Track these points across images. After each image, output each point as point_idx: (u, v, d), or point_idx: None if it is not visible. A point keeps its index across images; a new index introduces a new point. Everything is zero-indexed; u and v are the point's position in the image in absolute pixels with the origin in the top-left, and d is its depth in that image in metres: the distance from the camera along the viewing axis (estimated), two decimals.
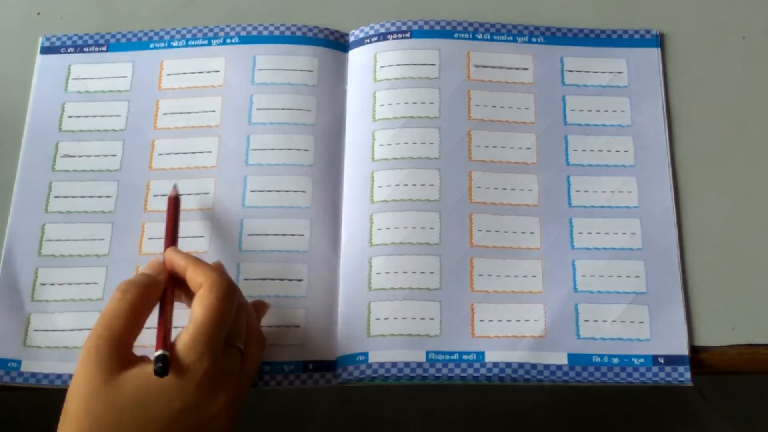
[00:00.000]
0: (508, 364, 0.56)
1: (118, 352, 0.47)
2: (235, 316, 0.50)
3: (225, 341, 0.49)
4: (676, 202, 0.60)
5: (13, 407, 1.09)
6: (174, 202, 0.57)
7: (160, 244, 0.58)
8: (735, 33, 0.65)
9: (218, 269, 0.51)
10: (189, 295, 0.51)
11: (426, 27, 0.65)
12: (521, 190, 0.60)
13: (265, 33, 0.65)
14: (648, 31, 0.65)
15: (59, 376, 0.56)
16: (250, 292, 0.57)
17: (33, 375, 0.56)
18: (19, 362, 0.56)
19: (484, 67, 0.64)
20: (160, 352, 0.46)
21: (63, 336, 0.57)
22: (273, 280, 0.58)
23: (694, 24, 0.66)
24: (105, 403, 0.45)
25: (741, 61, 0.65)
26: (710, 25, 0.66)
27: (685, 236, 0.59)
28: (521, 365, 0.56)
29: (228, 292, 0.48)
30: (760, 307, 0.58)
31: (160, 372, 0.45)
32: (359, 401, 1.19)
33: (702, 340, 0.57)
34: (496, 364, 0.56)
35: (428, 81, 0.63)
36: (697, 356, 0.56)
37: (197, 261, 0.51)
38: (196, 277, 0.49)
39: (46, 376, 0.56)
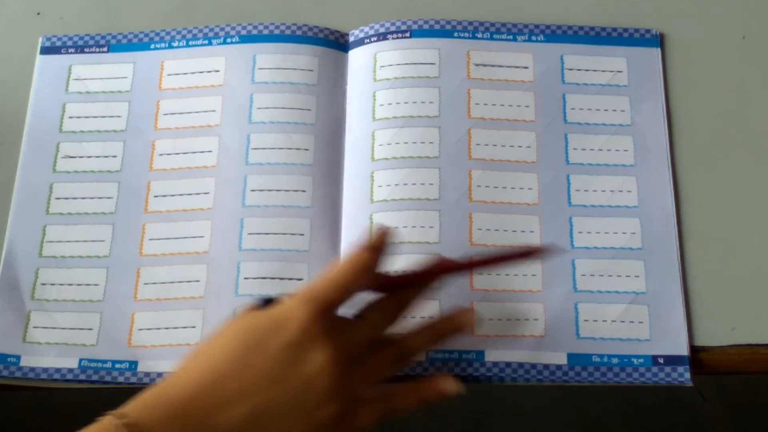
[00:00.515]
0: (508, 364, 0.56)
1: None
2: (378, 305, 0.50)
3: (358, 315, 0.49)
4: (676, 202, 0.60)
5: (13, 407, 1.09)
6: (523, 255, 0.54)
7: (161, 244, 0.59)
8: (735, 33, 0.65)
9: (369, 249, 0.49)
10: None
11: (426, 26, 0.65)
12: (521, 188, 0.60)
13: (266, 32, 0.65)
14: (648, 31, 0.65)
15: (58, 370, 0.56)
16: (249, 291, 0.58)
17: (32, 370, 0.56)
18: (18, 357, 0.56)
19: (484, 65, 0.64)
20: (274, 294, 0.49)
21: (63, 333, 0.57)
22: (273, 279, 0.58)
23: (694, 24, 0.66)
24: (216, 335, 0.47)
25: (741, 61, 0.65)
26: (710, 25, 0.66)
27: (685, 236, 0.59)
28: (521, 365, 0.56)
29: (356, 262, 0.48)
30: (760, 307, 0.58)
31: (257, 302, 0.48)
32: None
33: (702, 340, 0.57)
34: (495, 364, 0.56)
35: (428, 80, 0.63)
36: (697, 356, 0.56)
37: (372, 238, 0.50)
38: None
39: (45, 370, 0.56)
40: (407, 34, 0.64)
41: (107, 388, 0.57)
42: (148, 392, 0.45)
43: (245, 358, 0.45)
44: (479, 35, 0.65)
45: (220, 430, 0.44)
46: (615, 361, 0.56)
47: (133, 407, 0.44)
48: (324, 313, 0.47)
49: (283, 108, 0.63)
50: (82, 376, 0.56)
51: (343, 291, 0.48)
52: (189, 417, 0.44)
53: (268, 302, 0.48)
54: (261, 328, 0.46)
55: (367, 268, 0.49)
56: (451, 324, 0.53)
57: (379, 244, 0.49)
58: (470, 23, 0.65)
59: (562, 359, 0.56)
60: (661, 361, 0.56)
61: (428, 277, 0.53)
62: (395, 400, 0.50)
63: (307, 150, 0.62)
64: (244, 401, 0.45)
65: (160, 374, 0.56)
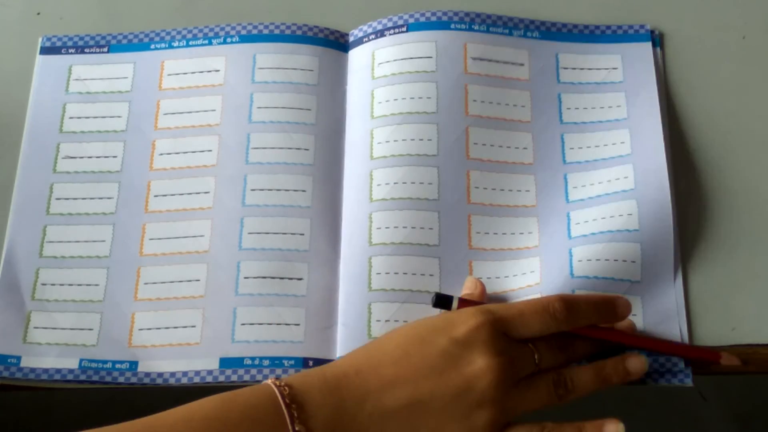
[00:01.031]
0: None
1: None
2: (551, 350, 0.50)
3: (521, 339, 0.49)
4: (676, 202, 0.60)
5: (13, 407, 1.09)
6: None
7: (161, 244, 0.59)
8: (735, 33, 0.65)
9: (567, 298, 0.50)
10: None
11: (422, 19, 0.65)
12: (519, 191, 0.60)
13: (266, 32, 0.65)
14: (642, 26, 0.65)
15: (59, 370, 0.56)
16: (249, 290, 0.58)
17: (32, 370, 0.56)
18: (18, 358, 0.56)
19: (481, 60, 0.63)
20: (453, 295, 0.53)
21: (63, 333, 0.57)
22: (273, 278, 0.58)
23: (694, 24, 0.66)
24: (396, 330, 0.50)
25: (741, 61, 0.65)
26: (710, 25, 0.66)
27: (685, 236, 0.59)
28: None
29: (546, 305, 0.49)
30: (760, 307, 0.58)
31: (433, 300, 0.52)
32: None
33: (702, 340, 0.57)
34: None
35: (425, 75, 0.63)
36: None
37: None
38: None
39: (45, 371, 0.56)
40: (404, 29, 0.64)
41: (107, 388, 0.57)
42: (315, 368, 0.48)
43: (411, 347, 0.47)
44: (476, 27, 0.64)
45: (376, 411, 0.45)
46: None
47: (292, 377, 0.47)
48: (497, 327, 0.48)
49: (283, 108, 0.63)
50: (83, 377, 0.56)
51: (524, 321, 0.49)
52: (345, 391, 0.46)
53: (441, 299, 0.52)
54: (433, 325, 0.48)
55: (556, 319, 0.50)
56: (620, 368, 0.52)
57: (577, 309, 0.50)
58: (467, 14, 0.65)
59: None
60: (662, 360, 0.56)
61: (611, 341, 0.53)
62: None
63: (307, 150, 0.62)
64: (402, 387, 0.46)
65: (160, 374, 0.56)
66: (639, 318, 0.56)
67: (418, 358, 0.47)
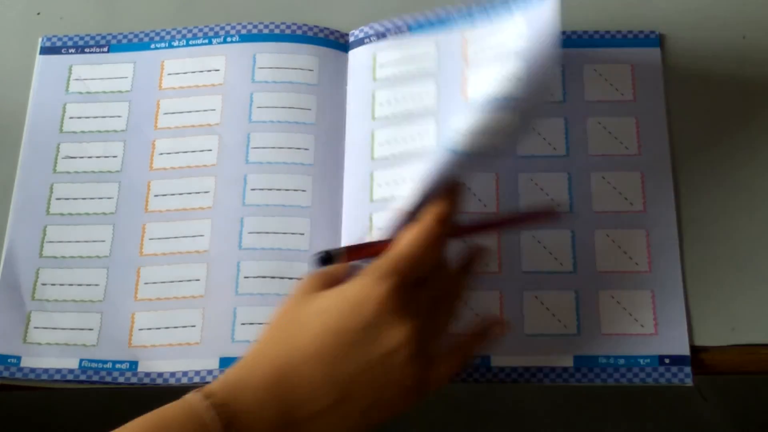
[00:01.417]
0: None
1: (326, 276, 0.49)
2: (440, 265, 0.50)
3: (423, 281, 0.49)
4: (677, 202, 0.60)
5: (13, 407, 1.09)
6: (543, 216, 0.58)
7: (161, 244, 0.59)
8: (735, 33, 0.65)
9: (439, 212, 0.49)
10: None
11: (423, 21, 0.64)
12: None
13: (266, 31, 0.65)
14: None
15: (59, 370, 0.56)
16: (249, 290, 0.58)
17: (32, 370, 0.56)
18: (18, 358, 0.56)
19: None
20: (327, 249, 0.50)
21: (63, 333, 0.57)
22: (273, 278, 0.58)
23: (694, 24, 0.66)
24: (290, 316, 0.48)
25: (741, 61, 0.65)
26: (710, 25, 0.66)
27: (685, 236, 0.59)
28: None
29: (430, 236, 0.48)
30: (760, 307, 0.58)
31: (316, 259, 0.49)
32: None
33: (702, 340, 0.57)
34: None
35: (426, 75, 0.63)
36: (697, 356, 0.56)
37: (438, 197, 0.50)
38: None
39: (45, 371, 0.56)
40: (406, 31, 0.64)
41: (107, 388, 0.57)
42: (230, 372, 0.46)
43: (326, 340, 0.46)
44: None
45: (312, 413, 0.45)
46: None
47: (219, 387, 0.45)
48: (399, 289, 0.47)
49: (283, 107, 0.63)
50: (83, 377, 0.56)
51: (419, 265, 0.48)
52: (278, 402, 0.45)
53: (327, 260, 0.49)
54: (339, 311, 0.47)
55: (441, 239, 0.49)
56: (476, 257, 0.54)
57: (449, 211, 0.49)
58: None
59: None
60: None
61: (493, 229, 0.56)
62: (461, 352, 0.51)
63: (307, 149, 0.62)
64: (331, 385, 0.46)
65: (160, 374, 0.56)
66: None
67: (337, 350, 0.46)
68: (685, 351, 0.56)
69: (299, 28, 0.65)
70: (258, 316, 0.57)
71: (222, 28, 0.66)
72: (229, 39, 0.65)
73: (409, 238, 0.48)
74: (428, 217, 0.49)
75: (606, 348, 0.56)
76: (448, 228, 0.49)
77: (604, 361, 0.56)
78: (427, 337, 0.48)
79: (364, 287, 0.47)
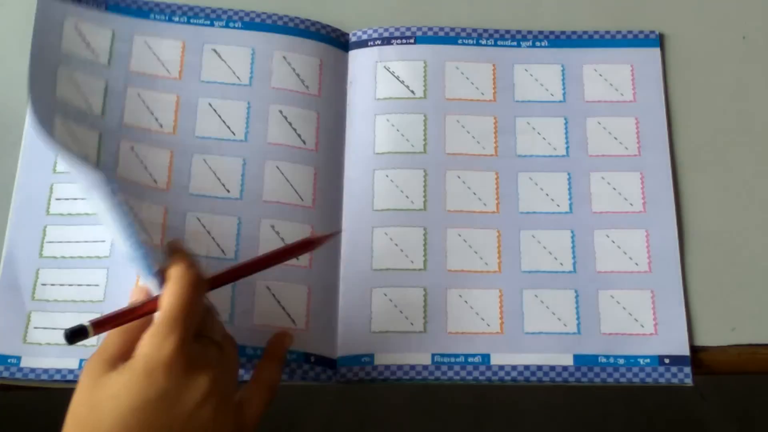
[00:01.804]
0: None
1: (107, 354, 0.47)
2: (206, 314, 0.49)
3: (199, 334, 0.48)
4: (676, 202, 0.60)
5: (13, 407, 1.09)
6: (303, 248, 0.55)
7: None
8: (735, 33, 0.65)
9: (185, 261, 0.48)
10: None
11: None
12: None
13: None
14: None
15: (59, 371, 0.56)
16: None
17: (32, 370, 0.56)
18: (18, 358, 0.56)
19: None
20: (81, 324, 0.47)
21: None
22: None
23: (694, 24, 0.66)
24: (87, 405, 0.45)
25: (741, 61, 0.65)
26: (710, 25, 0.66)
27: (685, 236, 0.59)
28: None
29: (194, 282, 0.47)
30: (760, 307, 0.58)
31: (67, 337, 0.46)
32: (359, 401, 1.19)
33: (702, 340, 0.57)
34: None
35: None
36: (697, 356, 0.56)
37: (174, 253, 0.49)
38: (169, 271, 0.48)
39: (45, 371, 0.56)
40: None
41: None
42: None
43: (129, 421, 0.44)
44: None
45: None
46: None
47: None
48: (184, 345, 0.46)
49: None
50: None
51: (192, 317, 0.47)
52: None
53: (78, 333, 0.47)
54: (133, 387, 0.45)
55: (200, 287, 0.48)
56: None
57: (191, 262, 0.48)
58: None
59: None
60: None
61: (247, 273, 0.52)
62: (264, 380, 0.52)
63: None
64: None
65: None
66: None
67: (144, 426, 0.44)
68: (685, 351, 0.56)
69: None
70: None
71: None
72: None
73: (172, 295, 0.46)
74: (178, 270, 0.47)
75: (606, 347, 0.56)
76: (202, 276, 0.48)
77: (603, 361, 0.56)
78: (227, 383, 0.48)
79: (149, 355, 0.45)
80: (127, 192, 0.58)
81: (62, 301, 0.58)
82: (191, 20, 0.65)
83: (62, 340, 0.48)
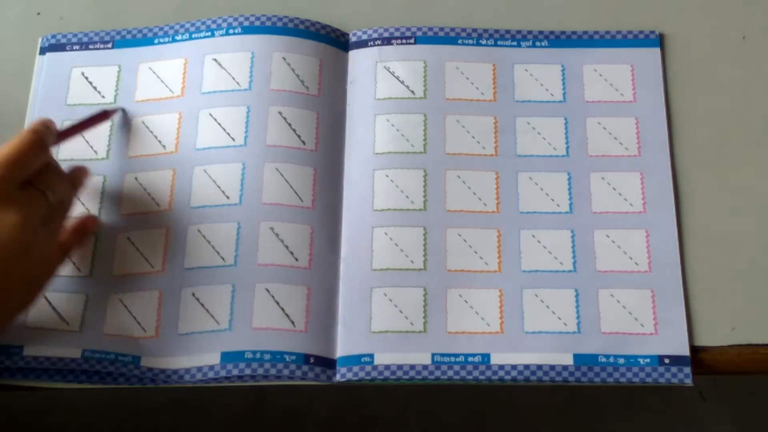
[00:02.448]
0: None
1: None
2: (50, 174, 0.54)
3: (29, 183, 0.52)
4: (676, 202, 0.60)
5: (14, 407, 1.09)
6: (102, 117, 0.61)
7: None
8: (735, 33, 0.66)
9: (32, 126, 0.54)
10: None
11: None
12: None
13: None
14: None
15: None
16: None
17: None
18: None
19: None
20: None
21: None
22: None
23: (694, 24, 0.66)
24: None
25: (741, 61, 0.65)
26: (710, 25, 0.66)
27: (685, 236, 0.59)
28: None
29: (29, 139, 0.53)
30: (760, 307, 0.58)
31: None
32: (359, 401, 1.19)
33: (702, 340, 0.57)
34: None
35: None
36: (697, 356, 0.56)
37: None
38: None
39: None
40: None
41: (107, 389, 0.56)
42: None
43: None
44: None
45: None
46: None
47: None
48: (2, 185, 0.51)
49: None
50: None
51: (19, 168, 0.52)
52: None
53: None
54: None
55: (37, 145, 0.53)
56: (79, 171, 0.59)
57: (45, 127, 0.55)
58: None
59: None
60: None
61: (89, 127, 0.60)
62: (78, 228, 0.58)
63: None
64: None
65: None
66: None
67: None
68: (685, 351, 0.56)
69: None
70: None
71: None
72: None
73: (6, 146, 0.52)
74: (22, 131, 0.53)
75: (606, 347, 0.56)
76: (43, 137, 0.54)
77: (603, 360, 0.56)
78: (42, 233, 0.52)
79: None
80: (132, 227, 0.59)
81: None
82: (193, 36, 0.65)
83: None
